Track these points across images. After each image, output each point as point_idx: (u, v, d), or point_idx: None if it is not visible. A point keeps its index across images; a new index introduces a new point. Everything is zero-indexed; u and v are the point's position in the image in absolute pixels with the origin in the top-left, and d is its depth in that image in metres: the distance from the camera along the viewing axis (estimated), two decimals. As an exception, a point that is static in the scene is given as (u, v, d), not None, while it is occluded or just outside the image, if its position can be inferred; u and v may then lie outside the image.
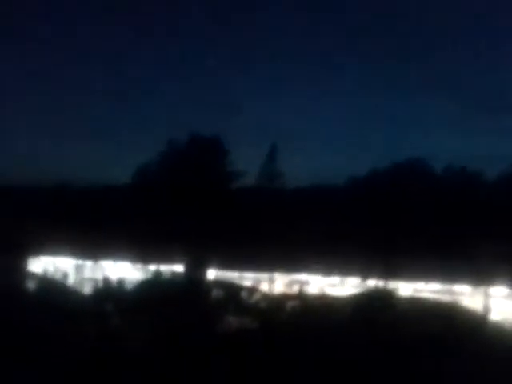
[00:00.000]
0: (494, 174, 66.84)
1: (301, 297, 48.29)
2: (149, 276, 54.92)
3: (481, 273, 54.69)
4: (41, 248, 63.95)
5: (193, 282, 52.34)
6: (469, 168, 67.11)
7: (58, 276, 57.63)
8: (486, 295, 54.38)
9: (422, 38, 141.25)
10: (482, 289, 55.09)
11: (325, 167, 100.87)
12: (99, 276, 58.71)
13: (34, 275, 57.29)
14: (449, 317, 41.04)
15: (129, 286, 50.08)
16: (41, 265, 64.14)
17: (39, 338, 35.35)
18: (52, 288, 49.82)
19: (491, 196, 63.28)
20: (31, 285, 51.60)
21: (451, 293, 54.93)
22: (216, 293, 47.04)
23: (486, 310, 51.14)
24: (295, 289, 56.24)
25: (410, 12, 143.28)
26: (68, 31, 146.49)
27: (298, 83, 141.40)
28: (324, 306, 44.09)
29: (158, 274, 53.40)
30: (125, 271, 61.41)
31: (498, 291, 54.80)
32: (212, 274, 59.88)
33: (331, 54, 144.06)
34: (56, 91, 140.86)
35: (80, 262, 65.36)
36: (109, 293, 47.61)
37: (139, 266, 62.95)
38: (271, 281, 60.80)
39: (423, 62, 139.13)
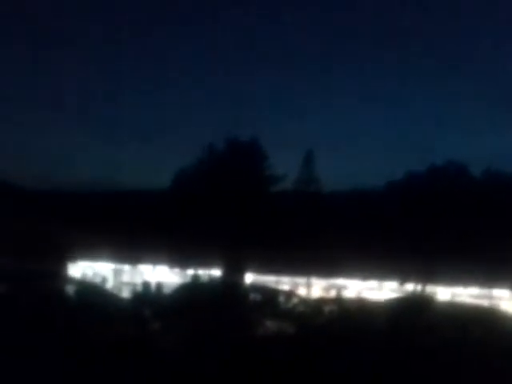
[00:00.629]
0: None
1: (338, 301, 48.21)
2: (187, 280, 55.18)
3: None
4: (80, 253, 64.52)
5: (230, 286, 52.44)
6: (508, 171, 66.63)
7: (97, 280, 58.10)
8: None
9: (458, 38, 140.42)
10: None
11: (362, 171, 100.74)
12: (138, 280, 59.09)
13: (73, 280, 57.80)
14: (487, 321, 40.73)
15: (167, 290, 50.35)
16: (80, 270, 64.75)
17: (78, 343, 35.68)
18: (91, 292, 50.18)
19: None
20: (70, 289, 52.05)
21: (490, 297, 54.58)
22: (253, 297, 47.12)
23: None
24: (333, 293, 56.23)
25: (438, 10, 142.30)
26: (105, 28, 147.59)
27: (334, 87, 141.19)
28: (362, 310, 43.95)
29: (195, 278, 53.65)
30: (163, 275, 61.76)
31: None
32: (249, 278, 60.04)
33: (368, 58, 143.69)
34: (93, 94, 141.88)
35: (118, 266, 65.87)
36: (147, 297, 47.89)
37: (177, 270, 63.30)
38: (309, 285, 60.80)
39: (462, 64, 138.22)
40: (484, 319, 41.07)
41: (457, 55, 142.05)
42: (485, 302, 52.47)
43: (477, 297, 55.04)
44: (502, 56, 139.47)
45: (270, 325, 42.38)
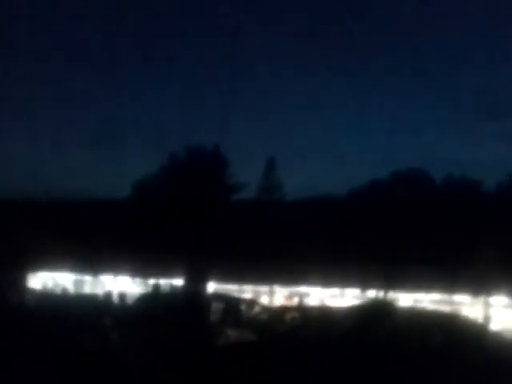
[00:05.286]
0: (494, 183, 66.73)
1: (300, 309, 48.20)
2: (148, 290, 54.84)
3: (481, 283, 54.64)
4: (40, 263, 63.90)
5: (192, 296, 52.22)
6: (468, 177, 66.99)
7: (58, 291, 57.50)
8: (486, 305, 54.29)
9: (420, 45, 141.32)
10: (481, 298, 55.03)
11: (324, 178, 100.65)
12: (99, 291, 58.62)
13: (33, 291, 57.20)
14: (449, 327, 40.93)
15: (129, 300, 49.99)
16: (40, 280, 64.12)
17: (39, 354, 35.30)
18: (51, 303, 49.64)
19: (491, 205, 63.11)
20: (31, 301, 51.47)
21: (451, 303, 54.84)
22: (216, 306, 46.90)
23: (486, 319, 51.01)
24: (295, 301, 56.19)
25: (406, 20, 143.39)
26: (66, 38, 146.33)
27: (297, 94, 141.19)
28: (324, 317, 43.96)
29: (157, 287, 53.32)
30: (124, 285, 61.31)
31: (497, 301, 54.77)
32: (212, 287, 59.80)
33: (330, 64, 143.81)
34: (53, 100, 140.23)
35: (79, 277, 65.30)
36: (109, 307, 47.53)
37: (139, 280, 62.88)
38: (271, 293, 60.69)
39: (421, 71, 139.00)
40: (445, 325, 41.28)
41: (418, 62, 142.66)
42: (446, 308, 52.72)
43: (438, 302, 55.27)
44: (464, 63, 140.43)
45: (232, 333, 42.30)
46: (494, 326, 49.80)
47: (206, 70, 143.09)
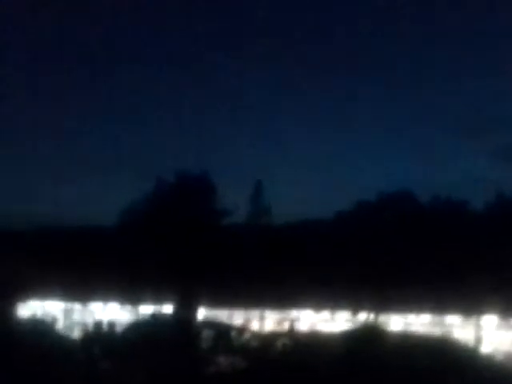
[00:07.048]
0: (481, 202, 66.92)
1: (291, 335, 48.15)
2: (138, 318, 54.70)
3: (471, 304, 54.67)
4: (29, 292, 63.65)
5: (182, 323, 52.14)
6: (455, 197, 67.17)
7: (47, 320, 57.25)
8: (477, 326, 54.34)
9: (402, 64, 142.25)
10: (472, 320, 55.06)
11: (312, 202, 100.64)
12: (88, 319, 58.42)
13: (22, 320, 56.98)
14: (439, 351, 40.93)
15: (118, 329, 49.84)
16: (29, 309, 63.81)
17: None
18: (41, 333, 49.47)
19: (479, 225, 63.28)
20: (20, 330, 51.27)
21: (442, 324, 54.89)
22: (206, 333, 46.84)
23: (478, 340, 51.07)
24: (286, 326, 56.05)
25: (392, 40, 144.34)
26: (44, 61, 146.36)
27: (284, 119, 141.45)
28: (314, 343, 43.93)
29: (147, 316, 53.23)
30: (114, 313, 61.15)
31: (488, 321, 54.81)
32: (202, 312, 59.67)
33: (315, 87, 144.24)
34: (38, 127, 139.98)
35: (69, 305, 65.05)
36: (98, 337, 47.40)
37: (129, 307, 62.70)
38: (262, 318, 60.58)
39: (405, 91, 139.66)
40: (436, 349, 41.29)
41: (400, 81, 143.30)
42: (437, 330, 52.77)
43: (429, 324, 55.32)
44: (446, 81, 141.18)
45: (223, 361, 42.19)
46: (485, 347, 49.89)
47: (193, 94, 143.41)
